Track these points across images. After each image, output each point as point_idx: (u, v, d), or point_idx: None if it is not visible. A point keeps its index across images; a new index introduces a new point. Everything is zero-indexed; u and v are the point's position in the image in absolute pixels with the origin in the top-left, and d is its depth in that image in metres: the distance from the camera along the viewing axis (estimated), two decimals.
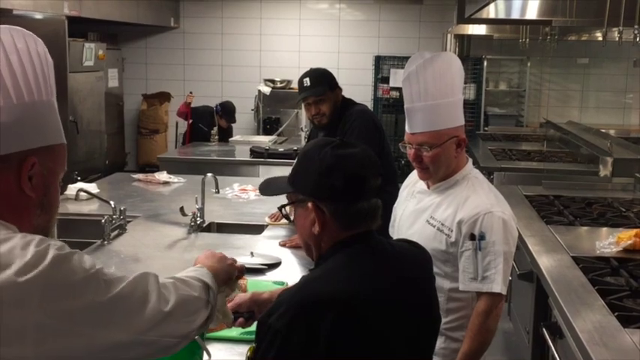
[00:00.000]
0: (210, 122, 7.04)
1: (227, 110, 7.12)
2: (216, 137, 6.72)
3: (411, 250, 1.73)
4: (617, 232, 3.14)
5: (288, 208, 1.71)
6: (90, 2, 6.82)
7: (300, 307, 1.43)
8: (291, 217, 1.69)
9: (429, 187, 2.28)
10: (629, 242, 2.98)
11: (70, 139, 6.33)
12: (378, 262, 1.57)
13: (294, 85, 8.78)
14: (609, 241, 3.05)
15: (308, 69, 3.78)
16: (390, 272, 1.58)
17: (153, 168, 7.11)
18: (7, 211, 1.22)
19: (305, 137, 7.24)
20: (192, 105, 7.36)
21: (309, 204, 1.56)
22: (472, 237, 2.11)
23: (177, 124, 9.04)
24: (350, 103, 3.73)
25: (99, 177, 5.65)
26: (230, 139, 6.72)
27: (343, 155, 1.56)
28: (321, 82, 3.62)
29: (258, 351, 1.46)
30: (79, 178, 5.86)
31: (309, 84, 3.60)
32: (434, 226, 2.20)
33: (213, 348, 1.97)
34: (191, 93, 7.41)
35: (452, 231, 2.15)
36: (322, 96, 3.59)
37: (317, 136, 3.77)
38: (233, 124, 7.33)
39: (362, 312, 1.47)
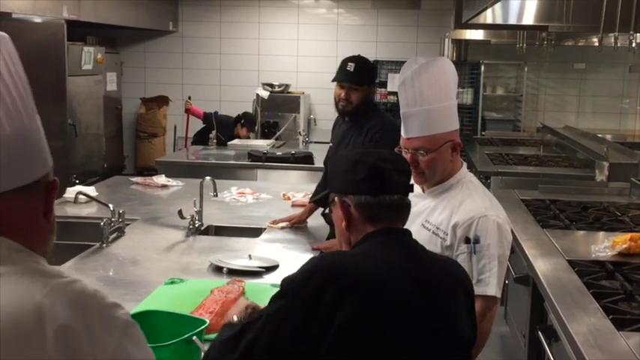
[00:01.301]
0: (230, 133, 7.01)
1: (250, 119, 7.15)
2: (214, 141, 6.73)
3: (444, 260, 1.76)
4: (613, 236, 3.17)
5: (328, 211, 1.80)
6: (89, 6, 6.84)
7: (321, 269, 1.51)
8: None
9: (423, 191, 2.30)
10: (624, 246, 3.00)
11: (69, 142, 6.37)
12: (399, 255, 1.60)
13: (293, 89, 8.84)
14: (605, 245, 3.07)
15: (356, 54, 3.75)
16: (409, 269, 1.59)
17: (151, 171, 7.12)
18: (34, 240, 1.14)
19: (303, 142, 7.27)
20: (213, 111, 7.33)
21: (336, 199, 1.64)
22: (467, 240, 2.13)
23: (175, 127, 9.05)
24: (378, 109, 3.73)
25: (97, 180, 5.66)
26: (229, 142, 6.73)
27: (367, 152, 1.69)
28: (364, 73, 3.59)
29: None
30: (77, 181, 5.89)
31: (352, 70, 3.57)
32: (429, 230, 2.22)
33: None
34: (189, 98, 7.40)
35: (447, 234, 2.17)
36: (358, 86, 3.56)
37: (341, 123, 3.76)
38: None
39: (366, 293, 1.49)
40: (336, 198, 1.68)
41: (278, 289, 1.58)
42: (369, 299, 1.48)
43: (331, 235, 3.06)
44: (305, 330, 1.45)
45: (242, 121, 7.10)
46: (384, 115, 3.74)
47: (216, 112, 7.30)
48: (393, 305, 1.52)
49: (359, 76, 3.56)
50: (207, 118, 7.16)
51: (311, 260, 1.59)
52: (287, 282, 1.53)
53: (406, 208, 1.67)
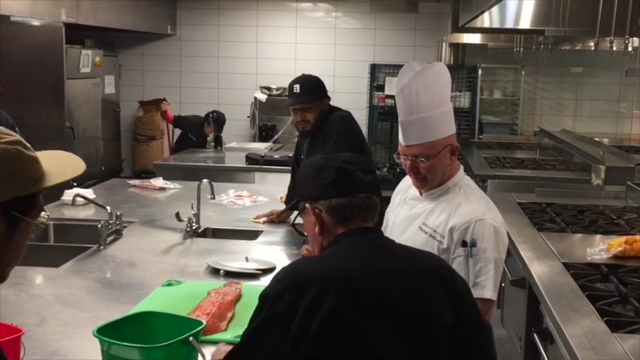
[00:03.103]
0: (199, 132, 7.02)
1: (219, 121, 7.09)
2: (212, 144, 6.74)
3: (417, 251, 1.78)
4: (608, 240, 3.17)
5: (298, 219, 1.82)
6: (87, 9, 6.85)
7: (290, 278, 1.57)
8: (304, 232, 1.81)
9: (421, 194, 2.32)
10: (620, 249, 3.01)
11: (67, 145, 6.36)
12: (369, 251, 1.65)
13: None
14: (600, 248, 3.08)
15: (298, 75, 3.80)
16: (379, 262, 1.63)
17: (149, 174, 7.12)
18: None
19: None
20: (183, 114, 7.35)
21: (307, 206, 1.66)
22: (464, 244, 2.14)
23: (173, 131, 9.06)
24: (333, 109, 3.76)
25: (95, 183, 5.66)
26: (226, 145, 6.74)
27: (330, 157, 1.73)
28: (310, 90, 3.65)
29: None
30: (75, 183, 5.88)
31: (298, 91, 3.63)
32: (426, 233, 2.23)
33: (208, 351, 2.00)
34: (165, 100, 7.42)
35: (444, 238, 2.18)
36: (309, 104, 3.63)
37: (303, 142, 3.82)
38: (221, 134, 7.31)
39: (340, 291, 1.53)
40: (307, 205, 1.72)
41: None
42: (342, 298, 1.52)
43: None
44: (286, 338, 1.50)
45: (209, 118, 7.03)
46: (334, 115, 3.73)
47: (179, 116, 7.33)
48: (367, 300, 1.56)
49: (306, 94, 3.62)
50: (176, 121, 7.20)
51: (282, 270, 1.64)
52: (262, 298, 1.58)
53: (375, 205, 1.72)
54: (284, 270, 1.63)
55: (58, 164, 1.22)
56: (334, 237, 1.69)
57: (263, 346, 1.54)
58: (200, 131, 7.00)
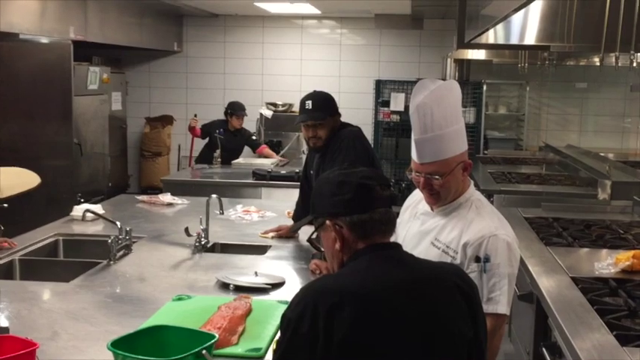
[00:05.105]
0: (225, 127, 6.99)
1: (235, 107, 7.00)
2: (219, 160, 6.75)
3: (437, 265, 1.79)
4: (616, 254, 3.18)
5: (315, 235, 1.81)
6: (95, 27, 6.92)
7: (309, 297, 1.56)
8: (322, 248, 1.80)
9: (432, 209, 2.33)
10: (627, 263, 3.02)
11: (74, 161, 6.41)
12: (387, 266, 1.65)
13: (296, 108, 8.84)
14: (608, 262, 3.09)
15: (311, 91, 3.82)
16: (397, 278, 1.63)
17: (155, 190, 7.16)
18: None
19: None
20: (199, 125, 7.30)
21: (327, 222, 1.66)
22: (477, 259, 2.15)
23: (179, 146, 9.10)
24: (344, 125, 3.77)
25: (102, 199, 5.70)
26: (233, 161, 6.76)
27: (349, 173, 1.72)
28: (323, 107, 3.66)
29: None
30: (82, 200, 5.93)
31: (310, 107, 3.64)
32: (439, 248, 2.24)
33: None
34: (195, 116, 7.42)
35: (457, 253, 2.19)
36: (322, 121, 3.64)
37: (313, 157, 3.83)
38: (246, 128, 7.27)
39: (359, 306, 1.53)
40: (327, 222, 1.71)
41: (285, 305, 1.63)
42: (359, 313, 1.52)
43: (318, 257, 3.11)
44: (313, 358, 1.50)
45: (229, 112, 7.01)
46: (344, 130, 3.74)
47: (203, 125, 7.25)
48: (388, 315, 1.56)
49: (319, 111, 3.63)
50: (203, 132, 7.14)
51: (301, 291, 1.62)
52: (283, 321, 1.58)
53: (393, 220, 1.73)
54: (302, 291, 1.62)
55: (9, 179, 1.24)
56: (354, 252, 1.68)
57: None
58: (226, 126, 6.98)
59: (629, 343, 2.24)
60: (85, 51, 7.27)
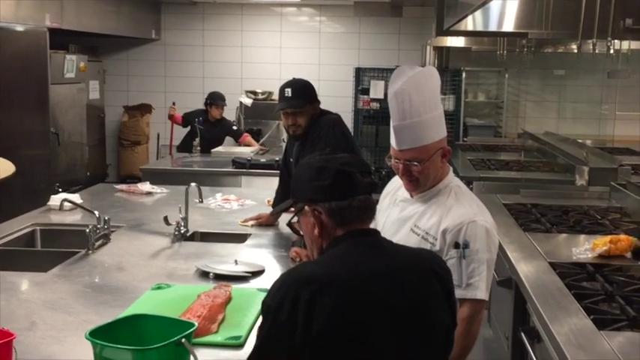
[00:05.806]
0: (205, 117, 6.94)
1: (215, 97, 6.94)
2: (198, 148, 6.71)
3: (415, 251, 1.80)
4: (593, 239, 3.22)
5: (295, 219, 1.81)
6: (71, 14, 6.84)
7: (288, 284, 1.56)
8: (301, 232, 1.80)
9: (412, 196, 2.34)
10: (604, 248, 3.06)
11: (52, 150, 6.35)
12: (366, 252, 1.65)
13: (276, 96, 8.78)
14: (585, 248, 3.12)
15: (291, 78, 3.81)
16: (376, 263, 1.63)
17: (134, 179, 7.09)
18: None
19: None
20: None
21: (306, 208, 1.65)
22: (456, 245, 2.17)
23: (158, 135, 9.04)
24: (324, 113, 3.77)
25: (80, 189, 5.64)
26: (212, 150, 6.72)
27: (329, 158, 1.71)
28: (302, 94, 3.64)
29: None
30: (60, 189, 5.87)
31: (290, 95, 3.62)
32: (418, 235, 2.26)
33: (200, 353, 2.01)
34: (174, 104, 7.36)
35: (436, 239, 2.20)
36: (301, 109, 3.63)
37: (292, 145, 3.83)
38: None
39: (338, 294, 1.54)
40: (306, 207, 1.71)
41: (264, 293, 1.63)
42: (338, 301, 1.53)
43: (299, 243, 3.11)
44: (294, 346, 1.51)
45: (209, 102, 6.94)
46: (324, 118, 3.73)
47: (185, 113, 7.20)
48: (366, 301, 1.57)
49: (298, 98, 3.62)
50: (184, 120, 7.08)
51: (280, 278, 1.63)
52: (264, 308, 1.58)
53: (373, 207, 1.73)
54: (282, 277, 1.62)
55: None
56: (333, 239, 1.69)
57: (273, 358, 1.55)
58: (206, 116, 6.93)
59: (605, 327, 2.26)
60: (62, 39, 7.18)
